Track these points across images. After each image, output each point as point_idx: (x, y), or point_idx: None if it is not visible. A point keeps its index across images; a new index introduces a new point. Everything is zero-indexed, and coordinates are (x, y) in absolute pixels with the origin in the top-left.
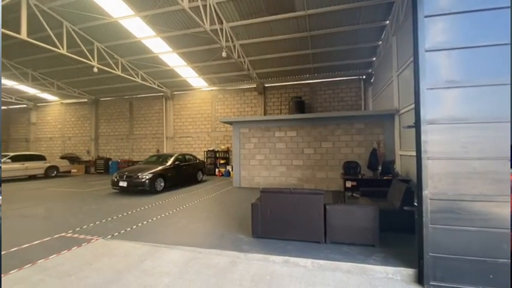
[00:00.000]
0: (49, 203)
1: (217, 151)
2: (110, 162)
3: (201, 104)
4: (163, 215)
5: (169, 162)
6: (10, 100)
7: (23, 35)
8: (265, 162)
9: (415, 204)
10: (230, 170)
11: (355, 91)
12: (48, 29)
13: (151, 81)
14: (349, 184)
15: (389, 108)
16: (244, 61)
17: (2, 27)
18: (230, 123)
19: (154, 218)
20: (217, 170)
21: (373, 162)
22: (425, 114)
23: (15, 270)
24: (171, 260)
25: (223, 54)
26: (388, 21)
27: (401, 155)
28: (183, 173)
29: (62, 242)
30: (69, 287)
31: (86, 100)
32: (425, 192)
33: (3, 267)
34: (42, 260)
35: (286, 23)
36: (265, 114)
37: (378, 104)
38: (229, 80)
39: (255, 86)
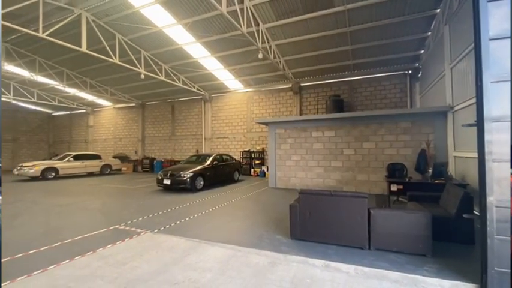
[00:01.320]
0: (104, 197)
1: (253, 151)
2: (155, 162)
3: (237, 106)
4: (203, 212)
5: (208, 162)
6: (72, 106)
7: (83, 48)
8: (302, 163)
9: (476, 212)
10: (265, 170)
11: (400, 87)
12: (104, 41)
13: (191, 85)
14: (394, 187)
15: (440, 104)
16: (280, 61)
17: (67, 42)
18: (266, 124)
19: (196, 215)
20: (252, 170)
21: (421, 164)
22: (490, 110)
23: (79, 256)
24: (212, 256)
25: (259, 55)
26: (439, 10)
27: (455, 157)
28: (221, 173)
29: (116, 233)
30: (124, 275)
31: (134, 104)
32: (491, 199)
33: (69, 254)
34: (101, 248)
35: (324, 20)
36: (300, 114)
37: (427, 100)
38: (264, 81)
39: (290, 85)
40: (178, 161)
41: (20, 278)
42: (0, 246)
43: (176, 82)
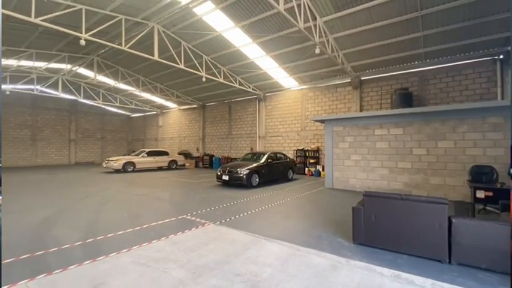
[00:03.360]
0: (172, 189)
1: (307, 150)
2: (213, 158)
3: (291, 104)
4: (260, 209)
5: (263, 160)
6: (146, 108)
7: (156, 56)
8: (363, 163)
9: None
10: (320, 169)
11: (487, 76)
12: (171, 49)
13: (246, 85)
14: (481, 194)
15: None
16: (338, 55)
17: (142, 52)
18: (322, 121)
19: (253, 211)
20: (306, 169)
21: None
22: None
23: (155, 240)
24: (271, 253)
25: (317, 50)
26: None
27: None
28: (275, 171)
29: (184, 222)
30: (193, 261)
31: (195, 106)
32: None
33: (147, 238)
34: (172, 235)
35: (390, 6)
36: (361, 111)
37: None
38: (320, 76)
39: (349, 80)
40: (235, 158)
41: (112, 254)
42: (0, 246)
43: (233, 83)
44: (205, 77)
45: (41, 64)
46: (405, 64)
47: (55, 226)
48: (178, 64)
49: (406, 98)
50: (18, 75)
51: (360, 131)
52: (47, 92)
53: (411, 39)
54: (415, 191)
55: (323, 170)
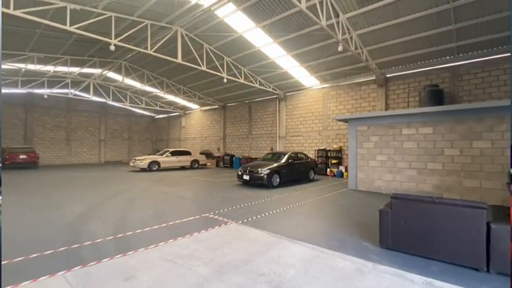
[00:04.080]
0: (195, 188)
1: (329, 150)
2: (234, 158)
3: (312, 103)
4: (281, 209)
5: (284, 160)
6: (169, 110)
7: (179, 59)
8: (389, 164)
9: None
10: (343, 170)
11: None
12: (194, 52)
13: (267, 85)
14: None
15: None
16: (362, 52)
17: (166, 55)
18: (345, 121)
19: (274, 211)
20: (328, 169)
21: None
22: None
23: (180, 237)
24: (294, 254)
25: (339, 48)
26: None
27: None
28: (296, 171)
29: (207, 220)
30: (217, 259)
31: (217, 106)
32: None
33: (173, 235)
34: (196, 233)
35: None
36: (386, 109)
37: None
38: (342, 75)
39: (373, 78)
40: (255, 158)
41: (140, 250)
42: (0, 246)
43: (253, 83)
44: (227, 78)
45: (75, 69)
46: (435, 60)
47: (89, 221)
48: (201, 66)
49: (436, 95)
50: (54, 80)
51: (385, 130)
52: (79, 96)
53: (442, 33)
54: (446, 194)
55: (346, 170)
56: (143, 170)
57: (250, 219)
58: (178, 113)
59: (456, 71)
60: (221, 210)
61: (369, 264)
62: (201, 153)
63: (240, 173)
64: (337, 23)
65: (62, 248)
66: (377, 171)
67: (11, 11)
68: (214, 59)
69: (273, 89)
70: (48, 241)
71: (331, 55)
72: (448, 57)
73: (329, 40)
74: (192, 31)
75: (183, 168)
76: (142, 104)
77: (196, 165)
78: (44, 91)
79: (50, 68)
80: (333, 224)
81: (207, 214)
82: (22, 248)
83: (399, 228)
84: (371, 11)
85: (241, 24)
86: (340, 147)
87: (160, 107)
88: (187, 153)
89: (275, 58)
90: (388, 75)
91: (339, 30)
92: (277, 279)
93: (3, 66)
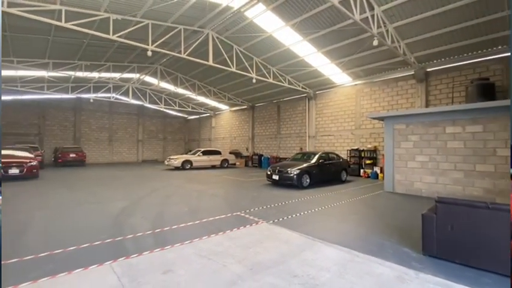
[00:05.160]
0: (225, 187)
1: (363, 150)
2: (262, 158)
3: (344, 101)
4: (312, 211)
5: (314, 160)
6: (201, 111)
7: (210, 61)
8: (431, 165)
9: None
10: (378, 171)
11: None
12: (224, 53)
13: (296, 84)
14: None
15: None
16: (400, 45)
17: (198, 58)
18: (381, 119)
19: (305, 212)
20: (362, 170)
21: None
22: None
23: (214, 235)
24: (328, 257)
25: (374, 42)
26: None
27: None
28: (327, 171)
29: (238, 219)
30: (249, 258)
31: (245, 107)
32: None
33: (207, 232)
34: (228, 231)
35: None
36: (426, 106)
37: None
38: (377, 70)
39: (412, 72)
40: (283, 158)
41: (176, 245)
42: (0, 246)
43: (283, 83)
44: (256, 79)
45: (116, 75)
46: (484, 50)
47: (130, 216)
48: (231, 67)
49: (486, 90)
50: (99, 86)
51: (426, 129)
52: (120, 99)
53: (492, 21)
54: (499, 199)
55: (381, 171)
56: (177, 168)
57: (281, 219)
58: (208, 114)
59: (509, 63)
60: (251, 210)
61: (411, 272)
62: (230, 153)
63: (269, 173)
64: (372, 16)
65: (108, 240)
66: (417, 172)
67: (63, 24)
68: (243, 59)
69: (302, 87)
70: (95, 233)
71: (364, 50)
72: (500, 47)
73: (363, 35)
74: (222, 33)
75: (213, 167)
76: (175, 106)
77: (226, 164)
78: (90, 95)
79: (95, 75)
80: (369, 228)
81: (238, 213)
82: (74, 239)
83: (445, 234)
84: (409, 2)
85: (271, 24)
86: (375, 146)
87: (192, 108)
88: (218, 152)
89: (305, 56)
90: (428, 70)
91: (373, 24)
92: (311, 282)
93: (57, 74)
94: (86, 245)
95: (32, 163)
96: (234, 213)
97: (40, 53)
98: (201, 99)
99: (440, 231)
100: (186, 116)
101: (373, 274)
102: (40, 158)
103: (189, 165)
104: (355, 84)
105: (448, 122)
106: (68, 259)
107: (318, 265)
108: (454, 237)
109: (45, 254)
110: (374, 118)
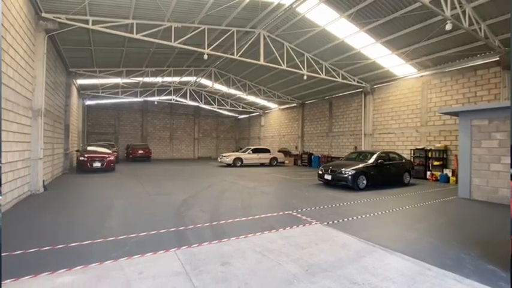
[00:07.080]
0: (276, 185)
1: (430, 150)
2: (312, 157)
3: (407, 95)
4: (371, 215)
5: (372, 160)
6: (251, 110)
7: (261, 61)
8: None
9: None
10: (449, 174)
11: None
12: (275, 52)
13: (350, 78)
14: None
15: None
16: (480, 28)
17: (250, 58)
18: (455, 114)
19: (363, 216)
20: (428, 173)
21: None
22: None
23: (267, 232)
24: (392, 266)
25: (447, 26)
26: None
27: None
28: (387, 173)
29: (290, 218)
30: (304, 258)
31: (295, 104)
32: None
33: (260, 228)
34: (281, 229)
35: None
36: None
37: None
38: (449, 59)
39: (496, 59)
40: (336, 157)
41: (232, 239)
42: (0, 245)
43: (336, 78)
44: (307, 75)
45: (176, 79)
46: None
47: (190, 208)
48: (281, 65)
49: None
50: (162, 89)
51: None
52: (179, 101)
53: None
54: None
55: (453, 174)
56: (228, 165)
57: (336, 221)
58: (258, 113)
59: None
60: (304, 209)
61: None
62: (279, 151)
63: (320, 172)
64: None
65: (172, 229)
66: (502, 177)
67: (134, 35)
68: (294, 56)
69: (357, 82)
70: (162, 221)
71: (433, 37)
72: None
73: (432, 19)
74: (273, 32)
75: (262, 165)
76: (227, 105)
77: (275, 162)
78: (154, 98)
79: (158, 79)
80: (442, 238)
81: (290, 212)
82: (145, 225)
83: None
84: None
85: (324, 16)
86: (446, 146)
87: (243, 108)
88: (267, 150)
89: (361, 48)
90: None
91: (446, 6)
92: None
93: (129, 80)
94: (154, 232)
95: (110, 158)
96: (286, 212)
97: (116, 63)
98: (251, 98)
99: None
100: (237, 115)
101: None
102: (116, 153)
103: (239, 163)
104: (421, 76)
105: None
106: (140, 243)
107: (381, 274)
108: None
109: (123, 237)
110: (446, 113)
